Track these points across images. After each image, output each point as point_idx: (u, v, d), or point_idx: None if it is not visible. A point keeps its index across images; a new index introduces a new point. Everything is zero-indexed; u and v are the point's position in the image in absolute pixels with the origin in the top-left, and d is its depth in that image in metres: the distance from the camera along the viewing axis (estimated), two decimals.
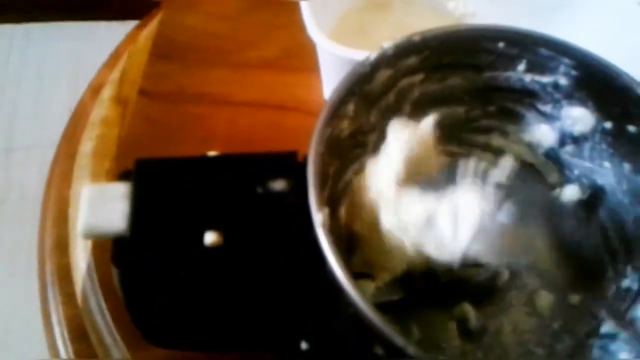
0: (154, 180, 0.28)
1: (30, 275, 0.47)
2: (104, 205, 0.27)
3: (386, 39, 0.49)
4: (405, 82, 0.36)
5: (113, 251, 0.28)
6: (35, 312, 0.44)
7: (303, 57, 0.51)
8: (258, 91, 0.52)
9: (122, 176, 0.29)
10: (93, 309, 0.42)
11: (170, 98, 0.50)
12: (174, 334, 0.37)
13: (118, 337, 0.41)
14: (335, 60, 0.44)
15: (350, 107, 0.34)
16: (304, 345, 0.38)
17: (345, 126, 0.35)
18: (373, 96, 0.35)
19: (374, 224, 0.33)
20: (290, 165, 0.29)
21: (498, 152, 0.40)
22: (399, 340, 0.25)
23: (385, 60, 0.34)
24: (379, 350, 0.31)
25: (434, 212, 0.32)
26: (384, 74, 0.35)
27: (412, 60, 0.35)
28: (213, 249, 0.27)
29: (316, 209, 0.28)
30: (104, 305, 0.42)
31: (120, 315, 0.41)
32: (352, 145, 0.37)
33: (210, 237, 0.27)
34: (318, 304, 0.37)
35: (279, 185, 0.28)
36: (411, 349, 0.24)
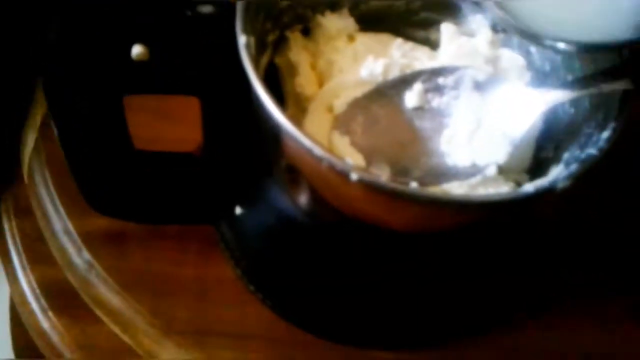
0: None
1: None
2: None
3: None
4: None
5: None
6: None
7: None
8: None
9: None
10: (38, 182, 0.43)
11: None
12: (109, 186, 0.38)
13: (60, 207, 0.42)
14: None
15: None
16: (238, 210, 0.39)
17: None
18: None
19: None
20: None
21: (436, 46, 0.42)
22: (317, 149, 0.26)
23: None
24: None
25: None
26: None
27: None
28: (139, 62, 0.29)
29: (240, 31, 0.29)
30: (48, 175, 0.43)
31: (64, 186, 0.42)
32: (292, 18, 0.39)
33: (136, 50, 0.28)
34: (248, 171, 0.39)
35: (207, 9, 0.29)
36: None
